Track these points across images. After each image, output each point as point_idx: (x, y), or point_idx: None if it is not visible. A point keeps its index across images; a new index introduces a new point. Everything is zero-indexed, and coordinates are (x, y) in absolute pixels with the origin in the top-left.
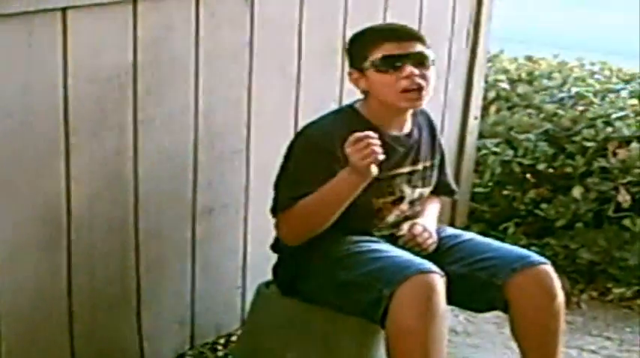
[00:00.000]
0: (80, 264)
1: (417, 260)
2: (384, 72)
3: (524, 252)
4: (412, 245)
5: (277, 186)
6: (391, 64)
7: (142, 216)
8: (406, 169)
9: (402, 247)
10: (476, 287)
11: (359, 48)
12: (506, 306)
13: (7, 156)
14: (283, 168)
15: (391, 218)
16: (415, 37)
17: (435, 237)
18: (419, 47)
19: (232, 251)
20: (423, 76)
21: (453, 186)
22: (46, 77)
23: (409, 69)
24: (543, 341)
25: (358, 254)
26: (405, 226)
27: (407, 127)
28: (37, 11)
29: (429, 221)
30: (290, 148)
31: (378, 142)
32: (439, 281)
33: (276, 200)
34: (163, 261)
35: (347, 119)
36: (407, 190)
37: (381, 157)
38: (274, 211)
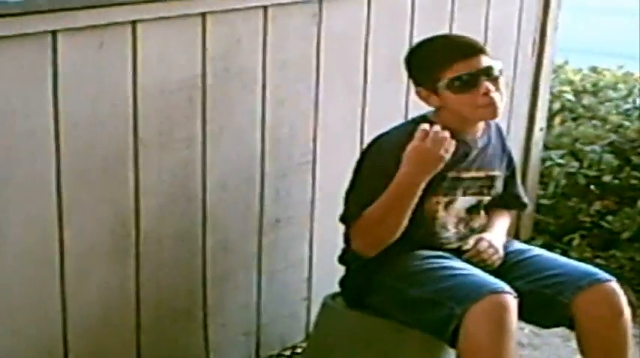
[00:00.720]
0: (148, 276)
1: (490, 279)
2: (462, 92)
3: (591, 268)
4: (477, 260)
5: (347, 196)
6: (466, 84)
7: (209, 228)
8: (469, 174)
9: (469, 262)
10: (542, 304)
11: (427, 69)
12: (572, 323)
13: (76, 167)
14: (354, 178)
15: (452, 226)
16: (480, 50)
17: (500, 253)
18: (486, 60)
19: (298, 262)
20: (497, 88)
21: (525, 198)
22: (116, 89)
23: (485, 85)
24: (611, 356)
25: (429, 271)
26: (472, 241)
27: (477, 134)
28: (108, 24)
29: (496, 235)
30: (361, 158)
31: (447, 134)
32: (512, 302)
33: (346, 211)
34: (230, 273)
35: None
36: (459, 195)
37: (452, 147)
38: (344, 221)
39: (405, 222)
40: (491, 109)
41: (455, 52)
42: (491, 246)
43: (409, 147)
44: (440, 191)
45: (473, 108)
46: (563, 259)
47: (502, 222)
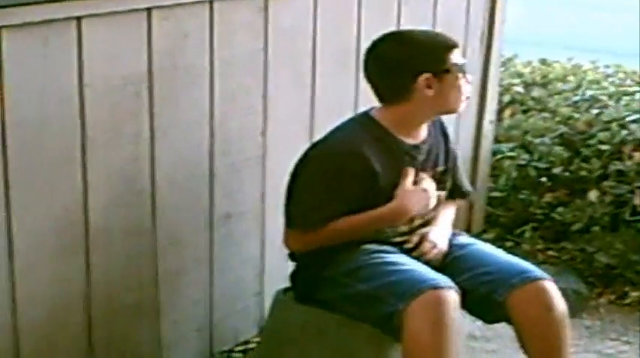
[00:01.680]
0: (98, 272)
1: (432, 274)
2: (461, 77)
3: (525, 266)
4: (416, 254)
5: (296, 199)
6: (464, 69)
7: (159, 224)
8: (421, 176)
9: (416, 258)
10: (479, 301)
11: (431, 51)
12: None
13: (23, 165)
14: (305, 181)
15: (403, 225)
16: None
17: (440, 247)
18: None
19: (250, 258)
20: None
21: (467, 187)
22: (62, 86)
23: (469, 76)
24: (547, 354)
25: (374, 266)
26: (415, 238)
27: (422, 135)
28: (52, 20)
29: (440, 229)
30: (313, 161)
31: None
32: (452, 296)
33: (294, 215)
34: (181, 268)
35: (367, 130)
36: None
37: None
38: (291, 225)
39: None
40: (464, 103)
41: (451, 41)
42: (434, 246)
43: (411, 189)
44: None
45: (459, 96)
46: (500, 255)
47: (447, 214)
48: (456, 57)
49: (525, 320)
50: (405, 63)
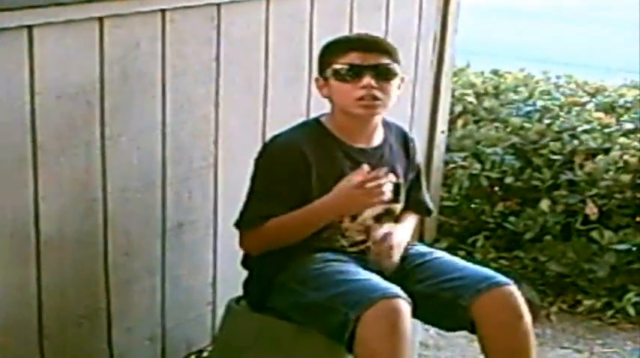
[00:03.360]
0: (49, 281)
1: (383, 284)
2: (344, 81)
3: (490, 272)
4: (375, 255)
5: (247, 200)
6: (351, 73)
7: (110, 232)
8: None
9: (367, 266)
10: (442, 308)
11: (326, 56)
12: (473, 327)
13: None
14: (251, 183)
15: (356, 234)
16: (383, 49)
17: (395, 249)
18: (384, 60)
19: (202, 266)
20: (382, 88)
21: (430, 204)
22: (13, 95)
23: (367, 80)
24: None
25: (326, 275)
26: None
27: (375, 141)
28: (3, 29)
29: (400, 229)
30: (256, 163)
31: (386, 181)
32: (404, 306)
33: (242, 216)
34: (133, 277)
35: (311, 132)
36: None
37: (387, 197)
38: (238, 226)
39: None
40: (369, 103)
41: (356, 44)
42: (391, 247)
43: (345, 187)
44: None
45: (351, 99)
46: (463, 262)
47: (408, 221)
48: (349, 59)
49: (492, 325)
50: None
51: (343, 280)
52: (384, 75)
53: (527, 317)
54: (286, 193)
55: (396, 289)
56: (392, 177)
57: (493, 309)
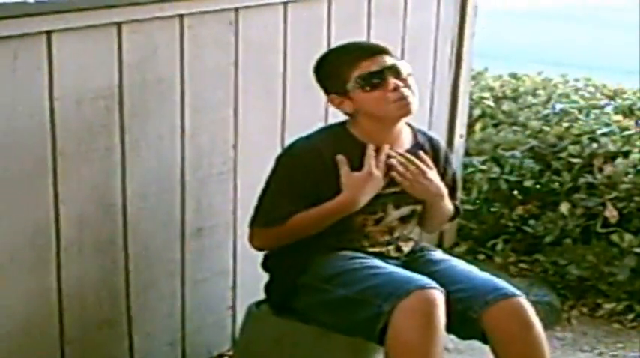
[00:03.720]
0: (70, 286)
1: (416, 276)
2: (371, 89)
3: (499, 283)
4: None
5: (260, 199)
6: (374, 80)
7: (130, 238)
8: (396, 188)
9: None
10: (455, 318)
11: (334, 73)
12: (485, 337)
13: None
14: (268, 181)
15: (380, 236)
16: (384, 50)
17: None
18: (390, 60)
19: (222, 271)
20: (406, 86)
21: (459, 207)
22: (32, 101)
23: (393, 81)
24: None
25: (354, 271)
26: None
27: (404, 145)
28: (22, 35)
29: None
30: (277, 161)
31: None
32: (440, 297)
33: (257, 214)
34: (153, 282)
35: (336, 137)
36: (391, 210)
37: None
38: (253, 223)
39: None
40: (404, 104)
41: (360, 52)
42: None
43: (356, 177)
44: (367, 209)
45: (385, 104)
46: (475, 272)
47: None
48: (365, 68)
49: (503, 337)
50: (320, 85)
51: (373, 274)
52: (403, 74)
53: (538, 327)
54: (304, 193)
55: (429, 280)
56: (392, 152)
57: (502, 321)
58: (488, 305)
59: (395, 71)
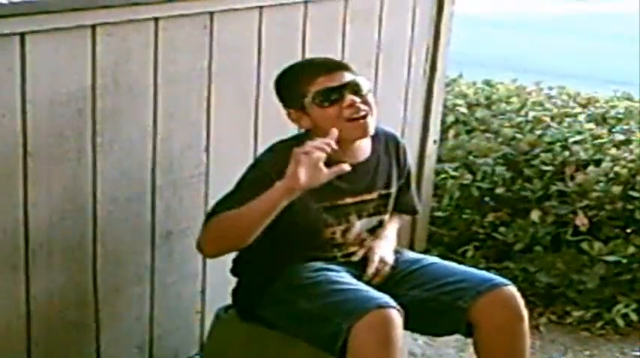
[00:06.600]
0: (38, 289)
1: (376, 294)
2: (326, 106)
3: (488, 274)
4: (367, 277)
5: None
6: (331, 96)
7: (100, 241)
8: (356, 199)
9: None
10: (439, 311)
11: (292, 87)
12: (468, 330)
13: None
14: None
15: (351, 246)
16: (344, 66)
17: (388, 264)
18: (349, 76)
19: (191, 275)
20: (365, 103)
21: (417, 205)
22: (4, 102)
23: (349, 97)
24: None
25: (318, 284)
26: (360, 252)
27: (362, 156)
28: None
29: (386, 243)
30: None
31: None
32: (397, 316)
33: (210, 211)
34: (122, 285)
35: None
36: (354, 220)
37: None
38: (207, 218)
39: (252, 238)
40: (360, 124)
41: (318, 67)
42: (384, 264)
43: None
44: (331, 222)
45: (341, 121)
46: (459, 266)
47: (392, 227)
48: (322, 84)
49: (492, 326)
50: (280, 98)
51: (335, 290)
52: (360, 91)
53: (526, 319)
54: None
55: (388, 299)
56: (346, 167)
57: (494, 311)
58: (481, 295)
59: (353, 88)
